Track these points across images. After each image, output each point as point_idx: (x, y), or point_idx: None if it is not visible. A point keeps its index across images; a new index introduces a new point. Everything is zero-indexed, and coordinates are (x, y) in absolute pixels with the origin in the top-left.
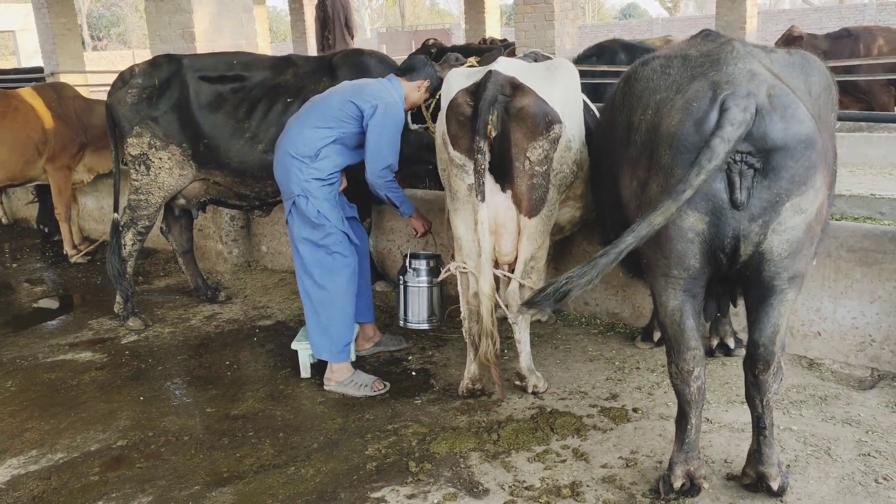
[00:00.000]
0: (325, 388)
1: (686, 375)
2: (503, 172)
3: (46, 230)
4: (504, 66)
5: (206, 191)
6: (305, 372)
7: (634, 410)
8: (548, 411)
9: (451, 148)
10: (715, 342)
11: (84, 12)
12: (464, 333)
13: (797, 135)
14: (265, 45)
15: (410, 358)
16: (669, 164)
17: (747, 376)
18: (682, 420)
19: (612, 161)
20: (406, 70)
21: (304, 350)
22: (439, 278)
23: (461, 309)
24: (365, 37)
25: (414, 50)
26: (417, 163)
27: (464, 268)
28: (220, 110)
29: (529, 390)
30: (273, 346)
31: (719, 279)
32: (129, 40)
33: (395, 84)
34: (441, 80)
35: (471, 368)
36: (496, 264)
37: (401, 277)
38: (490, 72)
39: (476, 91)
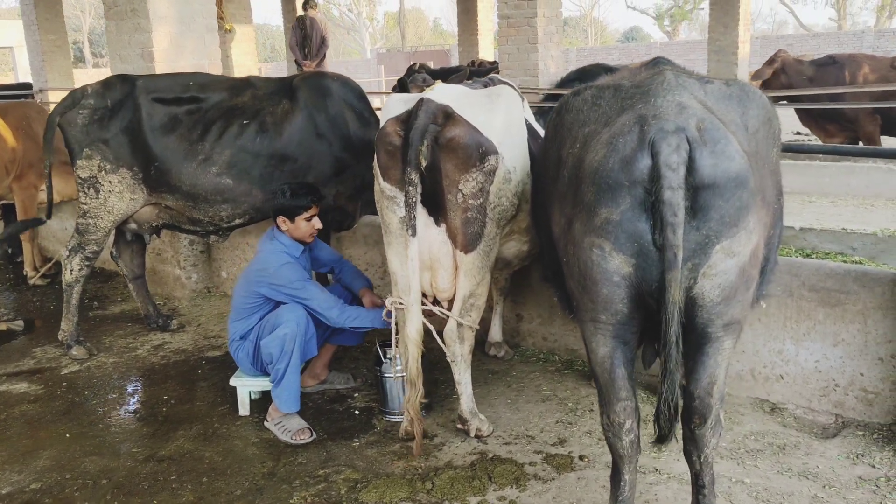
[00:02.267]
0: (266, 423)
1: (617, 428)
2: (436, 205)
3: (10, 251)
4: (438, 93)
5: (158, 215)
6: (244, 409)
7: (581, 458)
8: (489, 457)
9: (381, 179)
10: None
11: (86, 30)
12: (404, 373)
13: (727, 172)
14: (251, 64)
15: (356, 395)
16: (591, 202)
17: (684, 430)
18: (615, 476)
19: (545, 196)
20: (281, 210)
21: (242, 386)
22: (382, 316)
23: (398, 348)
24: (365, 57)
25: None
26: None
27: (399, 304)
28: (174, 132)
29: (472, 434)
30: (217, 379)
31: (655, 324)
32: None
33: (279, 240)
34: None
35: (410, 411)
36: (434, 301)
37: (377, 368)
38: (422, 100)
39: (407, 119)
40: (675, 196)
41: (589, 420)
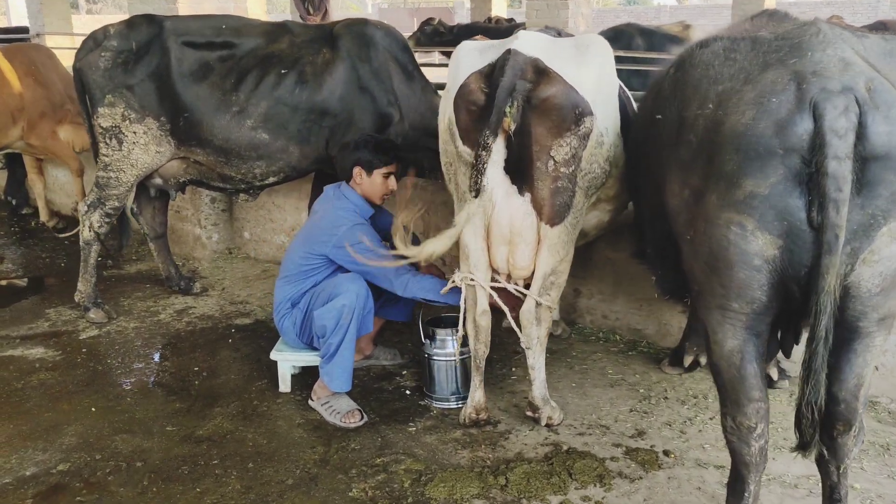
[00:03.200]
0: (310, 402)
1: (746, 433)
2: (522, 173)
3: (14, 202)
4: (525, 43)
5: (186, 170)
6: (284, 386)
7: (666, 454)
8: (564, 450)
9: (459, 142)
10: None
11: None
12: (471, 355)
13: None
14: (261, 13)
15: (405, 373)
16: (734, 172)
17: (822, 438)
18: (737, 485)
19: (655, 163)
20: (359, 162)
21: (284, 361)
22: (444, 290)
23: (466, 328)
24: (366, 11)
25: (415, 29)
26: (419, 150)
27: (471, 280)
28: (205, 80)
29: (543, 422)
30: (250, 350)
31: (791, 315)
32: (124, 4)
33: (347, 198)
34: None
35: (475, 395)
36: (508, 278)
37: (424, 346)
38: (508, 51)
39: (491, 74)
40: (841, 167)
41: (665, 409)
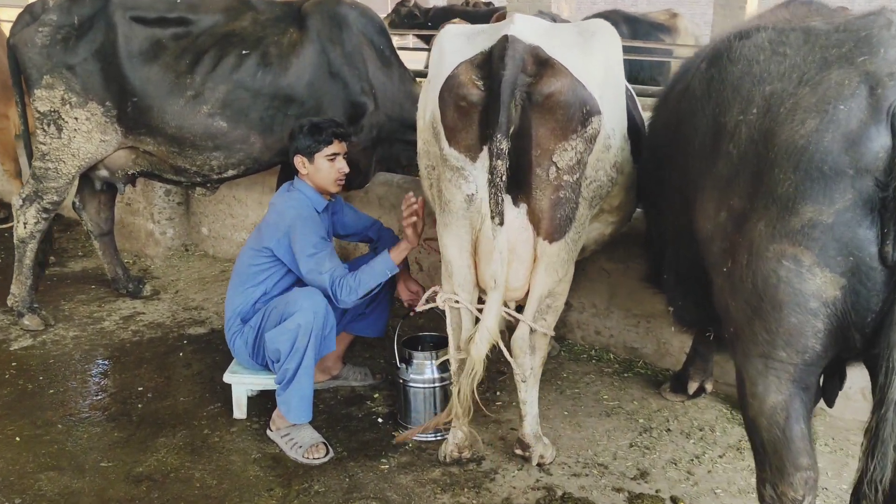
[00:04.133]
0: (268, 433)
1: None
2: (518, 181)
3: None
4: (523, 28)
5: (135, 161)
6: (240, 412)
7: (674, 501)
8: (559, 496)
9: (445, 143)
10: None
11: None
12: (453, 387)
13: None
14: None
15: (377, 397)
16: (790, 195)
17: None
18: None
19: (680, 175)
20: (298, 150)
21: (239, 384)
22: (419, 308)
23: (449, 356)
24: None
25: (390, 11)
26: (395, 143)
27: (455, 301)
28: (157, 61)
29: (534, 462)
30: (202, 366)
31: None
32: None
33: (300, 191)
34: None
35: (458, 433)
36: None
37: (399, 370)
38: (506, 38)
39: (484, 65)
40: None
41: (669, 444)
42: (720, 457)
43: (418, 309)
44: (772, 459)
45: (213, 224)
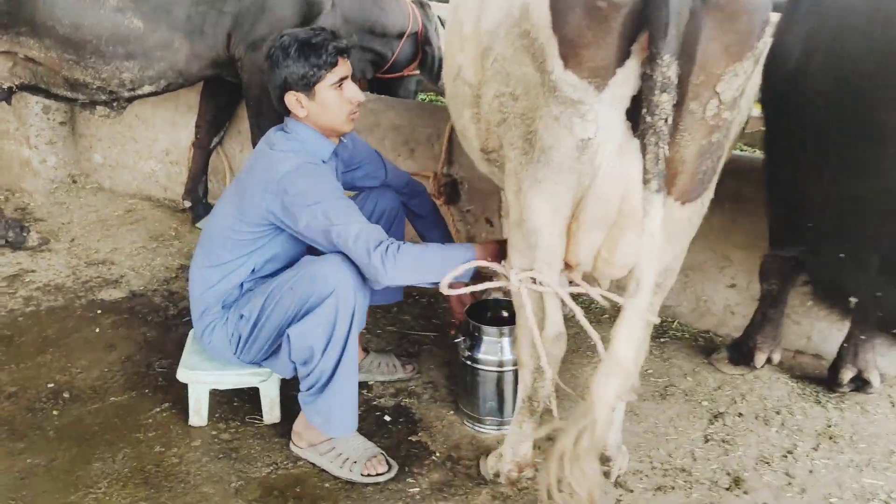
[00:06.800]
0: (293, 449)
1: None
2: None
3: None
4: None
5: (12, 71)
6: (199, 418)
7: None
8: None
9: (558, 63)
10: (849, 374)
11: None
12: (520, 392)
13: None
14: None
15: (372, 384)
16: None
17: None
18: None
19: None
20: (288, 83)
21: (200, 384)
22: (480, 287)
23: (520, 355)
24: None
25: None
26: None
27: (535, 282)
28: None
29: (613, 477)
30: (131, 348)
31: None
32: None
33: (297, 133)
34: None
35: (521, 448)
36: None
37: (462, 345)
38: None
39: None
40: None
41: (749, 436)
42: (814, 450)
43: (462, 291)
44: None
45: (109, 150)
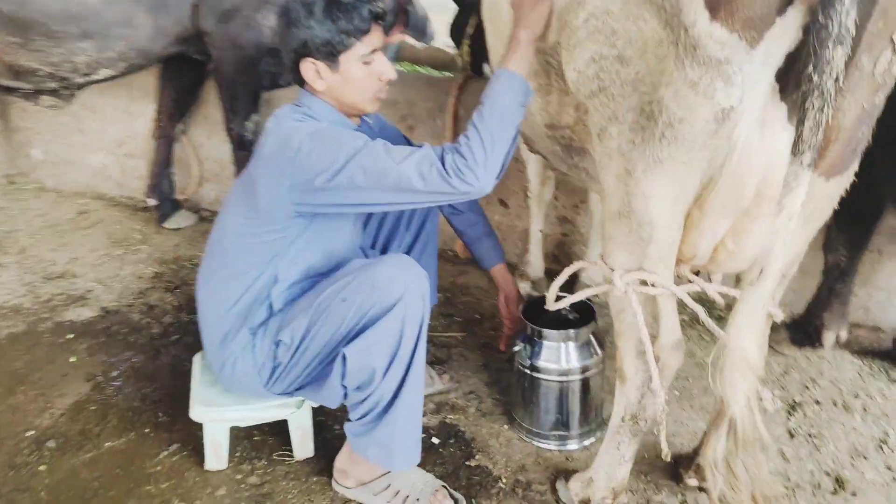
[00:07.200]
0: (338, 489)
1: None
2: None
3: None
4: None
5: None
6: (218, 461)
7: None
8: None
9: (703, 14)
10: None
11: None
12: (619, 410)
13: None
14: None
15: (459, 401)
16: None
17: None
18: None
19: None
20: (307, 49)
21: (220, 422)
22: (581, 296)
23: (622, 367)
24: None
25: None
26: None
27: (646, 283)
28: None
29: (716, 493)
30: (116, 375)
31: None
32: None
33: (310, 108)
34: None
35: (619, 473)
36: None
37: (522, 351)
38: None
39: None
40: None
41: (835, 426)
42: None
43: (561, 304)
44: None
45: (50, 144)
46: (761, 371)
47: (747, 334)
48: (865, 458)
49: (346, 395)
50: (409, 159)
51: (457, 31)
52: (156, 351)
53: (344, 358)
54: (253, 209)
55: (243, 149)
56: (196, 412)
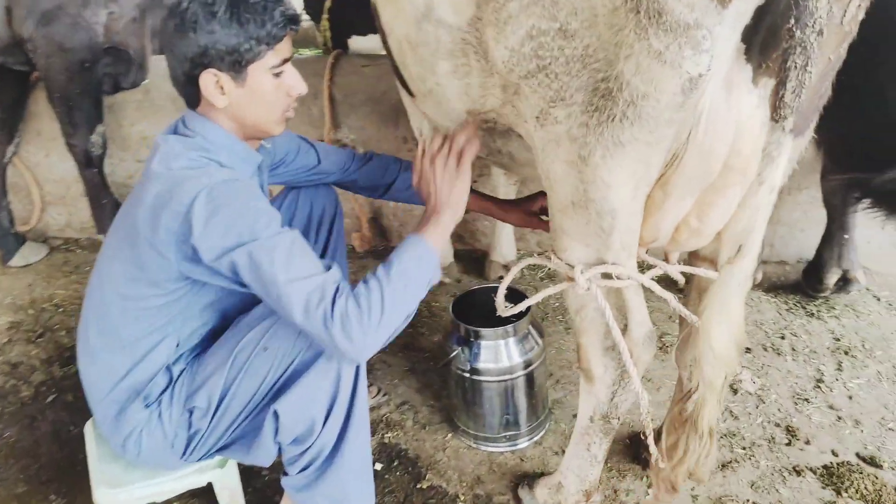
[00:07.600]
0: None
1: None
2: (774, 38)
3: None
4: None
5: None
6: None
7: None
8: None
9: None
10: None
11: None
12: (586, 411)
13: None
14: None
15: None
16: None
17: None
18: None
19: None
20: (204, 57)
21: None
22: (536, 299)
23: (587, 368)
24: None
25: None
26: None
27: (613, 276)
28: None
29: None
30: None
31: None
32: None
33: (203, 138)
34: None
35: (591, 474)
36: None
37: (459, 354)
38: None
39: None
40: None
41: (768, 368)
42: (838, 370)
43: (516, 310)
44: None
45: None
46: (742, 353)
47: (726, 316)
48: (808, 400)
49: (280, 451)
50: (301, 283)
51: (313, 5)
52: (31, 419)
53: (276, 414)
54: (136, 266)
55: (91, 166)
56: (100, 496)
